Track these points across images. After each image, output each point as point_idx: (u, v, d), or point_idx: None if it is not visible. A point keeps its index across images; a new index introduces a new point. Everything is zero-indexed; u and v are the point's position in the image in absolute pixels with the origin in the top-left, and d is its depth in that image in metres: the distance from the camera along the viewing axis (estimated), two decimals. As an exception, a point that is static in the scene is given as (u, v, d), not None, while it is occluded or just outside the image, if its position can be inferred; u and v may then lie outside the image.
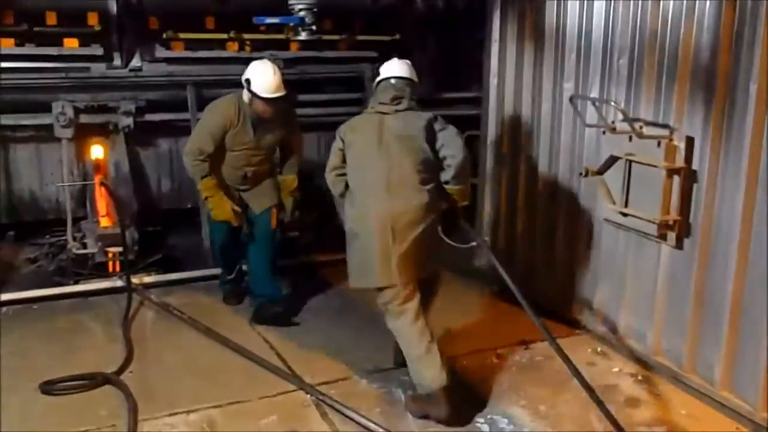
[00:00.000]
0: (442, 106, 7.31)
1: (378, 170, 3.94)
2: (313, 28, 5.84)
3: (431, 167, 4.00)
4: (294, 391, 4.15)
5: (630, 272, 4.42)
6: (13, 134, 6.65)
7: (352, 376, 4.32)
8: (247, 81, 4.90)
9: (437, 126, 4.06)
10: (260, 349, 4.67)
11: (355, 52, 7.16)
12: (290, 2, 5.91)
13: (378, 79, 4.37)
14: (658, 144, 4.01)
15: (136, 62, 6.54)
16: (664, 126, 4.05)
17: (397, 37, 7.12)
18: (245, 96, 4.95)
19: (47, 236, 6.93)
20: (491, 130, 5.65)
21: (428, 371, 3.85)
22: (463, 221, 4.27)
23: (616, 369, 4.41)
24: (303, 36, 5.95)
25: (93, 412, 3.95)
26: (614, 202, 4.34)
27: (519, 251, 5.46)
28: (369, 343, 4.72)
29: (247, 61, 6.72)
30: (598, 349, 4.63)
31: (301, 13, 5.77)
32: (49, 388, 4.16)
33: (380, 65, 7.27)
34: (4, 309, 5.40)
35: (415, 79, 4.37)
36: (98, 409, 3.97)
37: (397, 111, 4.11)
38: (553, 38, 4.93)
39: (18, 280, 6.18)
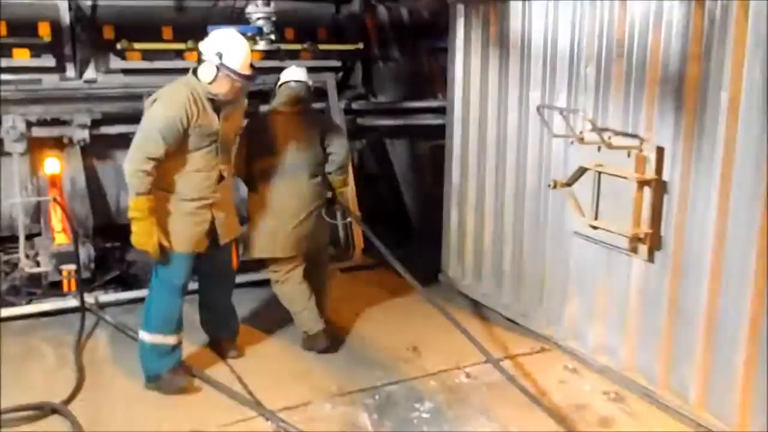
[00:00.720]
0: (406, 115, 7.12)
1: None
2: (272, 37, 5.56)
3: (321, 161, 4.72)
4: (254, 417, 3.88)
5: (601, 286, 4.22)
6: (-39, 149, 6.29)
7: (314, 400, 4.05)
8: (219, 54, 3.94)
9: (327, 126, 4.90)
10: (221, 372, 4.39)
11: (318, 61, 6.89)
12: (247, 11, 5.62)
13: (279, 82, 4.97)
14: (628, 154, 3.82)
15: (90, 73, 6.21)
16: (634, 136, 3.86)
17: (361, 46, 6.87)
18: (204, 75, 3.99)
19: (0, 253, 6.59)
20: (456, 140, 5.44)
21: (310, 320, 4.67)
22: (341, 203, 4.98)
23: (588, 387, 4.20)
24: (261, 46, 5.66)
25: (38, 447, 3.66)
26: (584, 215, 4.14)
27: (486, 264, 5.24)
28: (334, 364, 4.49)
29: (204, 72, 6.55)
30: (569, 366, 4.42)
31: (259, 22, 5.47)
32: (-8, 421, 3.85)
33: (343, 74, 7.20)
34: (-49, 331, 5.07)
35: (311, 83, 5.01)
36: (44, 444, 3.68)
37: (293, 112, 4.74)
38: (519, 46, 4.73)
39: (-34, 301, 5.84)
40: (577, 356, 4.44)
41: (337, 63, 6.96)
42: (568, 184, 4.20)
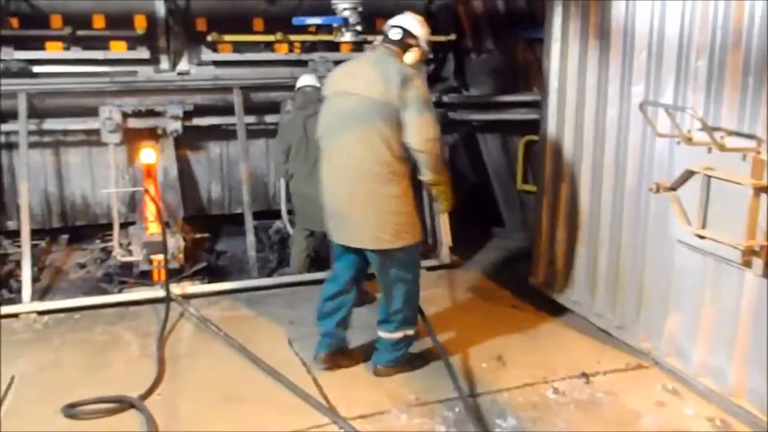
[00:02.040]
0: (499, 109, 6.74)
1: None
2: (358, 28, 5.32)
3: None
4: (327, 424, 3.66)
5: (707, 301, 3.75)
6: (65, 138, 6.39)
7: (391, 409, 3.79)
8: (409, 33, 4.01)
9: None
10: (295, 372, 4.20)
11: (408, 53, 6.61)
12: (333, 2, 5.38)
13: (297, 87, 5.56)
14: (744, 157, 3.35)
15: (183, 65, 6.17)
16: (751, 137, 3.38)
17: (453, 37, 6.53)
18: (410, 55, 4.02)
19: (97, 241, 6.67)
20: (550, 137, 5.03)
21: None
22: None
23: (689, 411, 3.74)
24: (347, 37, 5.43)
25: (112, 441, 3.57)
26: (689, 223, 3.69)
27: (579, 270, 4.84)
28: (413, 371, 4.21)
29: (295, 64, 6.40)
30: (669, 386, 3.97)
31: (345, 13, 5.23)
32: (71, 412, 3.79)
33: (434, 66, 6.88)
34: (46, 318, 5.12)
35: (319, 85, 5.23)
36: (119, 438, 3.59)
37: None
38: (621, 37, 4.28)
39: (65, 286, 5.91)
40: (678, 376, 3.99)
41: (429, 55, 6.64)
42: (673, 188, 3.76)
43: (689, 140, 3.60)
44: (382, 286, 4.05)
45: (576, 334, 4.66)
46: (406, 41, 4.00)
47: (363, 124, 3.82)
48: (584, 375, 4.08)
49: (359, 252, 4.02)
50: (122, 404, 3.86)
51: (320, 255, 5.63)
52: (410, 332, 4.15)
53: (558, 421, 3.66)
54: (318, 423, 3.66)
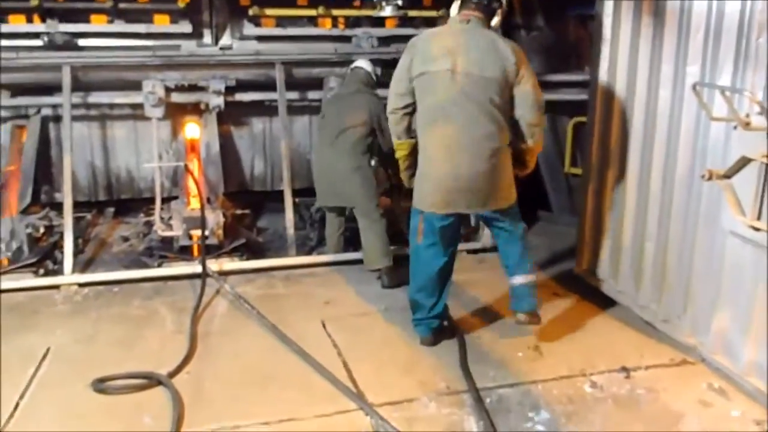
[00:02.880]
0: (549, 89, 6.45)
1: None
2: (399, 2, 5.12)
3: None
4: (354, 410, 3.54)
5: (761, 297, 3.48)
6: (110, 112, 6.40)
7: (420, 396, 3.64)
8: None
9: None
10: (326, 354, 4.08)
11: (455, 29, 6.38)
12: (373, -26, 5.22)
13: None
14: (806, 145, 3.08)
15: (226, 40, 6.07)
16: (815, 122, 3.10)
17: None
18: (496, 21, 4.10)
19: (141, 215, 6.68)
20: (599, 119, 4.77)
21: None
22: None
23: (737, 413, 3.48)
24: (387, 11, 5.24)
25: (138, 417, 3.50)
26: (744, 213, 3.42)
27: (625, 259, 4.59)
28: (445, 357, 4.06)
29: (338, 39, 6.23)
30: (715, 385, 3.72)
31: (386, -12, 5.08)
32: (100, 386, 3.76)
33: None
34: (86, 290, 5.13)
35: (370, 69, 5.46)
36: (144, 415, 3.52)
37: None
38: (677, 14, 3.99)
39: (108, 259, 5.93)
40: (725, 374, 3.74)
41: (476, 31, 6.41)
42: (727, 176, 3.48)
43: (747, 125, 3.32)
44: (508, 239, 4.21)
45: (619, 325, 4.43)
46: (492, 5, 3.99)
47: (480, 103, 3.85)
48: (625, 369, 3.86)
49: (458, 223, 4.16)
50: (150, 381, 3.82)
51: (355, 234, 5.49)
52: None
53: (594, 418, 3.45)
54: (345, 408, 3.54)
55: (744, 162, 3.39)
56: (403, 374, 3.88)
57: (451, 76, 3.85)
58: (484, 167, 3.90)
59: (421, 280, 4.18)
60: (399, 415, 3.48)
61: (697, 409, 3.53)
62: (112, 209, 6.88)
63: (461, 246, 5.86)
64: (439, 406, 3.56)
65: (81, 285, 5.17)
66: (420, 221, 4.09)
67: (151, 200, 6.39)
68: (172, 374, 3.87)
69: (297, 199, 6.12)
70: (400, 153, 4.23)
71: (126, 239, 6.31)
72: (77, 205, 6.37)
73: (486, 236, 5.87)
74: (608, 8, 4.59)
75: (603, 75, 4.68)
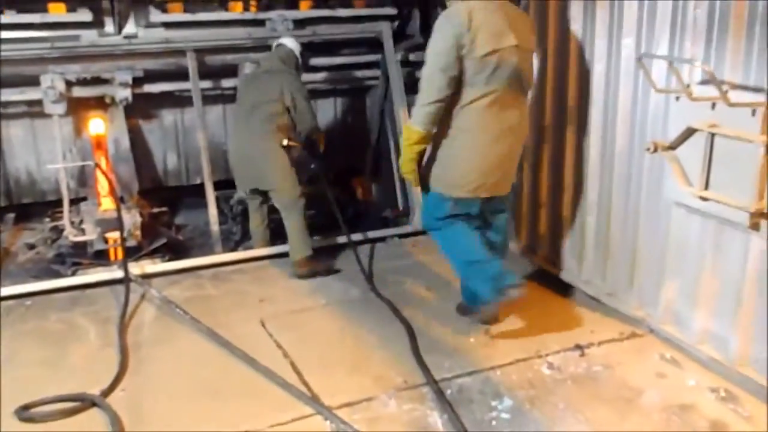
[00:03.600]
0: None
1: None
2: (312, -18, 4.86)
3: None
4: (312, 416, 3.32)
5: (708, 266, 3.49)
6: (5, 110, 5.82)
7: (378, 394, 3.46)
8: None
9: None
10: (271, 357, 3.82)
11: (371, 9, 6.18)
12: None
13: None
14: (753, 113, 3.05)
15: (130, 28, 5.61)
16: (758, 90, 3.09)
17: (418, -10, 6.11)
18: None
19: (47, 219, 6.16)
20: (529, 96, 4.66)
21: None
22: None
23: (692, 382, 3.49)
24: (305, -8, 4.99)
25: (74, 445, 3.18)
26: (691, 184, 3.40)
27: (565, 235, 4.54)
28: (396, 349, 3.89)
29: (251, 24, 5.89)
30: (667, 356, 3.72)
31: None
32: (26, 414, 3.38)
33: (399, 23, 6.45)
34: (-7, 306, 4.64)
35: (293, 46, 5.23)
36: (81, 441, 3.20)
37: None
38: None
39: (14, 270, 5.43)
40: (676, 344, 3.74)
41: (392, 11, 6.22)
42: (672, 147, 3.46)
43: (690, 95, 3.29)
44: (502, 225, 4.08)
45: (564, 302, 4.40)
46: None
47: (524, 80, 3.77)
48: (578, 347, 3.81)
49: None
50: (83, 403, 3.46)
51: (280, 225, 5.22)
52: None
53: (556, 400, 3.37)
54: (301, 414, 3.30)
55: (689, 132, 3.36)
56: (355, 372, 3.68)
57: (514, 53, 3.63)
58: (518, 148, 3.90)
59: (470, 252, 3.86)
60: (359, 416, 3.29)
61: (654, 381, 3.51)
62: (12, 215, 6.31)
63: (392, 231, 5.73)
64: (399, 403, 3.39)
65: (-15, 301, 4.69)
66: (449, 207, 3.83)
67: (56, 203, 5.92)
68: (106, 393, 3.52)
69: (216, 193, 5.77)
70: (421, 145, 3.78)
71: (32, 247, 5.82)
72: (-27, 214, 5.84)
73: (417, 220, 5.73)
74: (535, -19, 4.49)
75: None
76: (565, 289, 4.54)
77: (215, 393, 3.53)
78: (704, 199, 3.33)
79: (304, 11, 5.98)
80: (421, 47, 6.40)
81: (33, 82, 5.44)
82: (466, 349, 3.89)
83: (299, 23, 5.82)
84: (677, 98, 3.40)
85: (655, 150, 3.48)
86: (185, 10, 5.77)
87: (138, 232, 5.38)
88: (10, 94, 5.56)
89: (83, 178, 6.07)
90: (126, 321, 4.33)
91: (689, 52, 3.40)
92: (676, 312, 3.74)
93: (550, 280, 4.64)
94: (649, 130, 3.70)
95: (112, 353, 3.94)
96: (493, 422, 3.24)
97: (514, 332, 4.05)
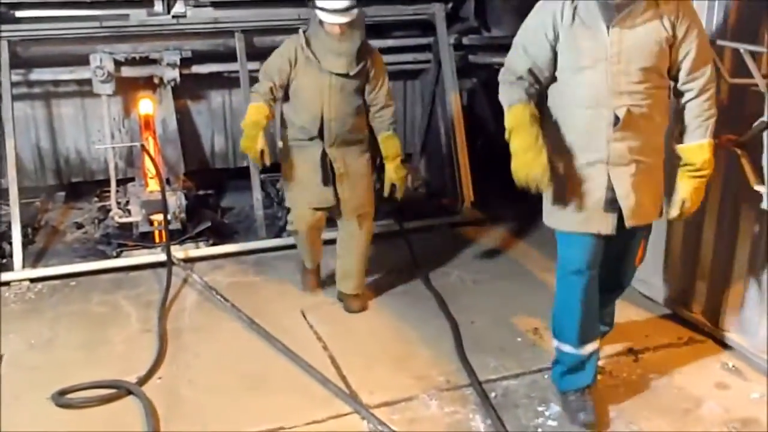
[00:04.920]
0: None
1: None
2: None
3: None
4: (349, 414, 3.19)
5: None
6: (55, 89, 5.81)
7: (419, 394, 3.32)
8: None
9: None
10: (311, 350, 3.73)
11: (425, -10, 5.96)
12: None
13: None
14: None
15: (179, 8, 5.50)
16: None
17: (475, -28, 5.86)
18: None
19: (95, 199, 6.16)
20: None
21: None
22: None
23: (756, 394, 3.25)
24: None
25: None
26: (763, 182, 3.14)
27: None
28: (440, 348, 3.73)
29: (301, 3, 5.73)
30: (729, 364, 3.47)
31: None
32: (62, 400, 3.34)
33: (452, 5, 6.21)
34: (39, 285, 4.65)
35: None
36: (115, 428, 3.13)
37: None
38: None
39: (62, 249, 5.42)
40: (740, 352, 3.50)
41: (447, -8, 6.00)
42: (744, 143, 3.19)
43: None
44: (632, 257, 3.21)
45: (619, 302, 4.16)
46: None
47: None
48: (632, 351, 3.60)
49: None
50: (119, 390, 3.41)
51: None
52: None
53: (609, 407, 3.18)
54: (338, 412, 3.20)
55: (762, 127, 3.09)
56: (396, 369, 3.55)
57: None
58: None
59: (585, 326, 3.04)
60: (398, 416, 3.17)
61: (714, 393, 3.29)
62: (62, 194, 6.32)
63: (440, 221, 5.54)
64: (440, 404, 3.25)
65: (33, 280, 4.70)
66: (578, 248, 2.95)
67: (105, 182, 5.88)
68: (143, 381, 3.48)
69: (262, 176, 5.67)
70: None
71: (80, 226, 5.80)
72: (24, 191, 5.81)
73: (466, 209, 5.54)
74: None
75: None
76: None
77: (252, 386, 3.45)
78: (776, 199, 3.08)
79: (356, -9, 5.78)
80: (476, 30, 6.22)
81: (83, 61, 5.40)
82: (513, 348, 3.72)
83: (349, 4, 5.63)
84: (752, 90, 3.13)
85: (726, 145, 3.21)
86: (235, -10, 5.65)
87: (183, 215, 5.30)
88: (61, 73, 5.54)
89: (131, 158, 6.04)
90: (167, 306, 4.28)
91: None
92: (742, 318, 3.48)
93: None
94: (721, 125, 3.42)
95: (152, 339, 3.90)
96: (539, 430, 3.06)
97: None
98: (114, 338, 3.97)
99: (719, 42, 3.28)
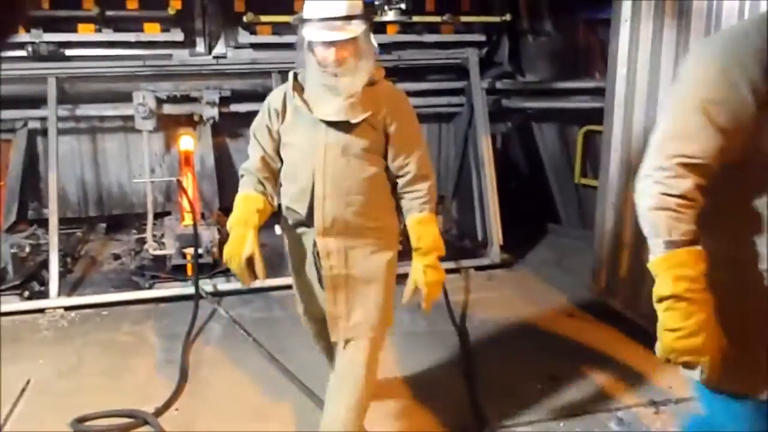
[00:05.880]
0: (557, 97, 6.12)
1: None
2: (402, 6, 4.72)
3: None
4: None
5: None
6: (100, 125, 6.03)
7: (433, 436, 3.28)
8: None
9: None
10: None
11: (459, 35, 6.03)
12: (374, -22, 4.79)
13: None
14: None
15: (220, 48, 5.70)
16: None
17: (508, 17, 5.89)
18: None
19: (134, 231, 6.31)
20: (617, 129, 4.39)
21: None
22: None
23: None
24: (390, 17, 4.85)
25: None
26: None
27: (648, 279, 4.18)
28: (447, 396, 3.66)
29: (337, 47, 5.85)
30: (754, 422, 3.35)
31: (386, -10, 4.65)
32: (80, 427, 3.39)
33: (487, 49, 6.27)
34: (72, 314, 4.76)
35: None
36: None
37: None
38: (704, 16, 3.63)
39: (98, 279, 5.55)
40: (765, 407, 3.36)
41: (481, 37, 6.08)
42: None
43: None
44: None
45: (642, 351, 4.04)
46: None
47: None
48: (654, 403, 3.48)
49: None
50: (136, 420, 3.45)
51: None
52: None
53: (624, 462, 3.09)
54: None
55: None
56: (406, 413, 3.48)
57: None
58: None
59: None
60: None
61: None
62: (104, 225, 6.51)
63: (468, 263, 5.51)
64: (452, 448, 3.19)
65: (67, 308, 4.81)
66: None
67: (144, 215, 6.02)
68: (160, 412, 3.49)
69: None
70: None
71: (117, 257, 5.94)
72: (67, 221, 6.03)
73: (495, 252, 5.50)
74: (626, 10, 4.22)
75: (621, 82, 4.31)
76: (642, 337, 4.19)
77: (266, 421, 3.44)
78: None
79: (390, 35, 5.90)
80: (510, 75, 6.26)
81: (127, 98, 5.60)
82: (530, 395, 3.63)
83: (384, 47, 5.73)
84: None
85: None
86: (273, 33, 5.81)
87: (215, 249, 5.38)
88: (105, 109, 5.75)
89: (170, 192, 6.19)
90: (191, 339, 4.32)
91: None
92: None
93: (629, 326, 4.30)
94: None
95: (174, 370, 3.93)
96: (552, 479, 2.98)
97: (583, 381, 3.75)
98: (137, 368, 4.02)
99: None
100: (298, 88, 2.72)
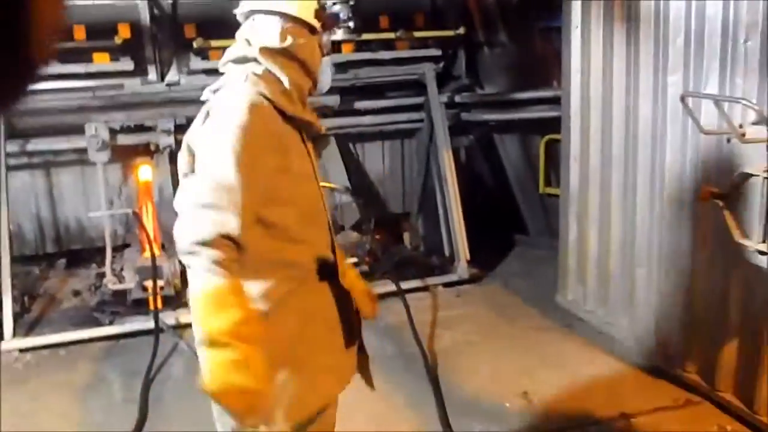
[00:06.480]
0: (517, 108, 6.07)
1: None
2: (351, 25, 4.64)
3: None
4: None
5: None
6: (54, 159, 5.86)
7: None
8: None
9: None
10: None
11: (414, 51, 5.97)
12: (321, -3, 4.70)
13: None
14: (817, 156, 2.62)
15: (172, 76, 5.57)
16: (822, 130, 2.63)
17: (462, 31, 5.84)
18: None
19: (94, 265, 6.14)
20: (574, 138, 4.35)
21: None
22: None
23: (753, 460, 3.06)
24: (339, 35, 4.77)
25: None
26: (748, 236, 3.00)
27: (614, 289, 4.15)
28: (423, 409, 3.57)
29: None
30: (728, 428, 3.27)
31: (335, 8, 4.53)
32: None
33: (444, 64, 6.21)
34: (28, 356, 4.58)
35: None
36: None
37: None
38: (652, 19, 3.60)
39: (57, 317, 5.37)
40: (737, 414, 3.29)
41: (437, 52, 5.99)
42: (725, 196, 3.07)
43: (743, 136, 2.91)
44: None
45: (612, 362, 3.99)
46: None
47: None
48: (625, 416, 3.40)
49: None
50: (92, 464, 3.30)
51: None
52: None
53: (596, 478, 3.00)
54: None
55: (743, 178, 2.97)
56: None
57: None
58: None
59: None
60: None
61: (710, 458, 3.08)
62: (63, 261, 6.32)
63: (436, 280, 5.42)
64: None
65: (22, 350, 4.63)
66: None
67: (103, 250, 5.86)
68: (117, 454, 3.35)
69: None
70: None
71: (77, 293, 5.77)
72: (25, 260, 5.84)
73: (462, 267, 5.41)
74: (575, 16, 4.19)
75: (575, 89, 4.27)
76: (614, 347, 4.12)
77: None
78: (762, 252, 2.92)
79: (346, 54, 5.81)
80: (468, 88, 6.21)
81: (80, 130, 5.45)
82: (500, 414, 3.54)
83: (340, 66, 5.66)
84: (728, 140, 3.02)
85: (707, 198, 3.10)
86: (225, 57, 5.69)
87: (177, 281, 5.24)
88: (58, 143, 5.59)
89: (129, 224, 6.03)
90: (151, 375, 4.17)
91: (741, 88, 3.03)
92: (738, 378, 3.29)
93: (598, 337, 4.23)
94: (702, 176, 3.31)
95: (133, 409, 3.77)
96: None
97: (555, 396, 3.67)
98: (95, 409, 3.87)
99: (691, 93, 3.19)
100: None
